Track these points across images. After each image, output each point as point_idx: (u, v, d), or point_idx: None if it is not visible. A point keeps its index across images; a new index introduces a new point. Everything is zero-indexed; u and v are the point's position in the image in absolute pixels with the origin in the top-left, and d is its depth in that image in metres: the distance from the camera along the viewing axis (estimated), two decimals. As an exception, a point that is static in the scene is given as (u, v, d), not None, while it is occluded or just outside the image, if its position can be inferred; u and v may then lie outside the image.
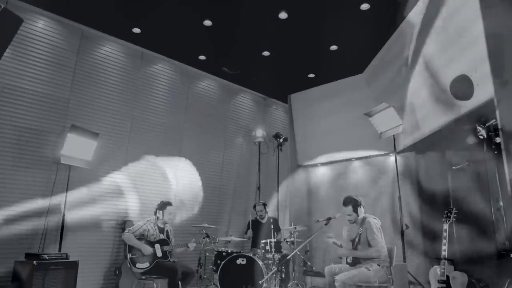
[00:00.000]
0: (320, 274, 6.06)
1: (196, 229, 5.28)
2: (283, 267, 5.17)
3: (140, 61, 5.92)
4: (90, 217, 5.02)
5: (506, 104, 3.39)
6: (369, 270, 4.00)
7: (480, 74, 3.67)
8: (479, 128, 3.92)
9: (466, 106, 4.00)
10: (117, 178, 5.39)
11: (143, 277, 4.60)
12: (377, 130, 5.63)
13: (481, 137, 3.91)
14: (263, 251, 5.19)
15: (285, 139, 7.06)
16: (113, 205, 5.28)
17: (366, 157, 6.60)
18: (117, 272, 4.98)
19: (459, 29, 4.00)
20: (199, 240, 4.97)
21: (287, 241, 5.37)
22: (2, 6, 3.18)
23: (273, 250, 5.06)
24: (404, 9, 4.83)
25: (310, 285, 6.43)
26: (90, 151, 4.82)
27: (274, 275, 4.89)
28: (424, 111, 4.95)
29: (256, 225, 5.99)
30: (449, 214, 3.76)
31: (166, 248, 4.71)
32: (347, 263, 4.33)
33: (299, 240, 5.29)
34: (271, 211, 6.54)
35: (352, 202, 4.34)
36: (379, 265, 4.04)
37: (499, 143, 3.63)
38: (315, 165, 7.37)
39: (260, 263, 4.95)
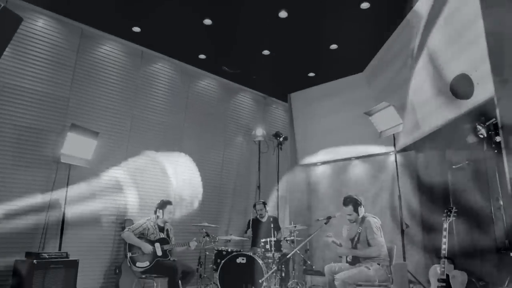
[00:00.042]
0: (320, 273, 6.07)
1: (196, 228, 5.28)
2: (283, 266, 5.17)
3: (140, 60, 5.92)
4: (90, 213, 5.01)
5: (506, 102, 3.38)
6: (369, 269, 4.00)
7: (480, 73, 3.67)
8: (479, 127, 3.92)
9: (467, 105, 4.00)
10: (117, 173, 5.38)
11: (143, 276, 4.60)
12: (377, 129, 5.63)
13: (481, 136, 3.91)
14: (263, 250, 5.20)
15: (285, 138, 7.06)
16: (112, 200, 5.28)
17: (366, 156, 6.60)
18: (117, 271, 4.98)
19: (459, 28, 3.99)
20: (199, 239, 4.98)
21: (287, 240, 5.37)
22: (2, 5, 3.17)
23: (273, 249, 5.06)
24: (404, 6, 4.82)
25: (310, 284, 6.44)
26: (90, 150, 4.82)
27: (274, 274, 4.90)
28: (424, 110, 4.95)
29: (256, 224, 5.99)
30: (449, 213, 3.76)
31: (166, 247, 4.71)
32: (347, 262, 4.33)
33: (299, 239, 5.30)
34: (271, 210, 6.54)
35: (352, 202, 4.34)
36: (379, 264, 4.04)
37: (499, 142, 3.63)
38: (315, 164, 7.37)
39: (260, 262, 4.96)
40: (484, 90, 3.62)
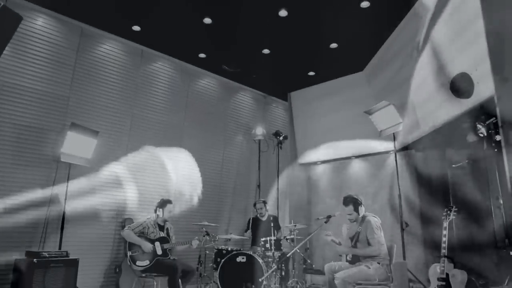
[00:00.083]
0: (320, 272, 6.08)
1: (196, 227, 5.28)
2: (283, 265, 5.18)
3: (140, 59, 5.92)
4: (90, 210, 5.00)
5: (507, 101, 3.38)
6: (369, 268, 4.00)
7: (480, 72, 3.67)
8: (479, 126, 3.92)
9: (467, 104, 3.99)
10: (116, 169, 5.37)
11: (143, 275, 4.61)
12: (377, 128, 5.63)
13: (481, 135, 3.91)
14: (263, 249, 5.20)
15: (285, 137, 7.06)
16: (112, 196, 5.27)
17: (366, 155, 6.60)
18: (117, 270, 4.99)
19: (460, 27, 3.99)
20: (200, 238, 4.98)
21: (287, 239, 5.38)
22: (2, 4, 3.17)
23: (273, 248, 5.06)
24: (404, 5, 4.81)
25: (310, 283, 6.45)
26: (90, 149, 4.82)
27: (274, 273, 4.90)
28: (425, 108, 4.94)
29: (256, 223, 6.00)
30: (449, 212, 3.77)
31: (166, 246, 4.72)
32: (347, 260, 4.33)
33: (299, 238, 5.30)
34: (270, 209, 6.54)
35: (352, 202, 4.34)
36: (379, 263, 4.04)
37: (499, 141, 3.63)
38: (315, 163, 7.37)
39: (260, 261, 4.96)
40: (484, 89, 3.61)
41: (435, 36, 4.42)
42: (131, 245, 4.61)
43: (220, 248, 5.36)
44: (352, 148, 6.62)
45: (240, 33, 5.50)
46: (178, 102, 6.32)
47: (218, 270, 5.04)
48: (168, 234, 4.90)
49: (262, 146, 7.21)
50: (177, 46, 5.96)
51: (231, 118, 7.08)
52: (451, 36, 4.13)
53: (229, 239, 5.51)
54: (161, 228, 4.88)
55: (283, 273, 5.17)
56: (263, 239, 5.25)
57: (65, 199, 4.71)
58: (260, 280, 4.70)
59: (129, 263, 4.54)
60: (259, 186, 7.01)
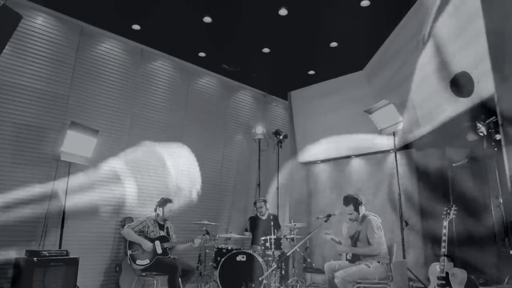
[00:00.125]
0: (320, 271, 6.08)
1: (196, 226, 5.28)
2: (283, 264, 5.18)
3: (139, 58, 5.91)
4: (89, 205, 5.00)
5: (507, 100, 3.38)
6: (369, 267, 4.00)
7: (480, 70, 3.67)
8: (479, 125, 3.92)
9: (467, 103, 3.99)
10: (116, 164, 5.37)
11: (143, 273, 4.61)
12: (377, 127, 5.63)
13: (481, 134, 3.91)
14: (263, 248, 5.20)
15: (285, 136, 7.06)
16: (111, 191, 5.26)
17: (366, 154, 6.60)
18: (117, 269, 4.99)
19: (459, 27, 3.98)
20: (200, 237, 4.97)
21: (287, 238, 5.38)
22: (1, 3, 3.17)
23: (273, 247, 5.06)
24: (404, 4, 4.80)
25: (310, 282, 6.45)
26: (90, 148, 4.82)
27: (274, 271, 4.90)
28: (425, 107, 4.94)
29: (256, 222, 6.00)
30: (449, 211, 3.77)
31: (166, 245, 4.72)
32: (346, 259, 4.33)
33: (299, 237, 5.30)
34: (270, 208, 6.54)
35: (353, 201, 4.34)
36: (378, 262, 4.05)
37: (499, 140, 3.63)
38: (315, 162, 7.38)
39: (260, 260, 4.96)
40: (484, 88, 3.61)
41: (437, 34, 4.42)
42: (131, 244, 4.61)
43: (220, 247, 5.36)
44: (352, 147, 6.62)
45: (240, 32, 5.49)
46: (178, 101, 6.31)
47: (218, 269, 5.04)
48: (168, 233, 4.90)
49: (262, 145, 7.20)
50: (177, 45, 5.96)
51: (231, 117, 7.07)
52: (452, 35, 4.13)
53: (229, 238, 5.51)
54: (161, 227, 4.88)
55: (283, 272, 5.17)
56: (263, 238, 5.25)
57: (65, 198, 4.71)
58: (260, 279, 4.70)
59: (129, 262, 4.55)
60: (259, 185, 7.01)
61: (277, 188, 6.87)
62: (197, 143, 6.38)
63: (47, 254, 4.12)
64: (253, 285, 4.85)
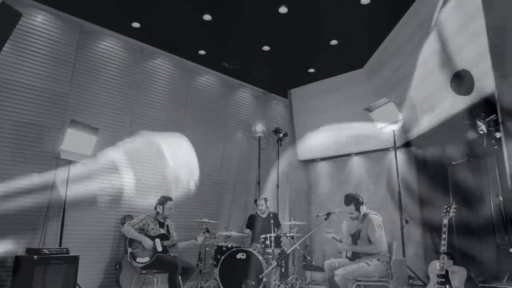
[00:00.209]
0: (319, 269, 6.10)
1: (196, 224, 5.29)
2: (283, 262, 5.19)
3: (139, 56, 5.90)
4: (88, 194, 5.02)
5: (507, 98, 3.38)
6: (369, 265, 4.01)
7: (480, 68, 3.66)
8: (479, 123, 3.92)
9: (467, 100, 3.99)
10: (115, 155, 5.38)
11: (144, 271, 4.61)
12: (377, 125, 5.63)
13: (481, 132, 3.91)
14: (263, 246, 5.21)
15: (285, 134, 7.05)
16: (108, 181, 5.27)
17: (365, 152, 6.60)
18: (118, 267, 5.00)
19: (460, 24, 3.98)
20: (202, 234, 4.97)
21: (287, 236, 5.39)
22: (1, 1, 3.17)
23: (273, 245, 5.07)
24: (404, 2, 4.80)
25: (310, 280, 6.46)
26: (90, 146, 4.82)
27: (274, 269, 4.91)
28: (425, 105, 4.94)
29: (256, 220, 6.00)
30: (448, 209, 3.77)
31: (166, 242, 4.72)
32: (346, 257, 4.34)
33: (298, 235, 5.31)
34: (270, 206, 6.54)
35: (354, 201, 4.33)
36: (378, 260, 4.05)
37: (499, 138, 3.63)
38: (315, 160, 7.38)
39: (260, 257, 4.97)
40: (484, 85, 3.61)
41: (440, 28, 4.40)
42: (132, 242, 4.61)
43: (220, 245, 5.37)
44: (352, 145, 6.62)
45: (240, 30, 5.49)
46: (178, 99, 6.31)
47: (218, 267, 5.05)
48: (168, 231, 4.90)
49: (262, 143, 7.20)
50: (177, 43, 5.95)
51: (231, 115, 7.07)
52: (453, 31, 4.12)
53: (229, 236, 5.52)
54: (161, 225, 4.88)
55: (283, 270, 5.19)
56: (263, 236, 5.26)
57: (65, 197, 4.72)
58: (260, 276, 4.72)
59: (129, 260, 4.55)
60: (259, 183, 7.01)
61: (277, 186, 6.87)
62: (197, 141, 6.38)
63: (48, 252, 4.13)
64: (253, 283, 4.86)
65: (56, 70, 5.01)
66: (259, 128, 7.04)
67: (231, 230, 5.62)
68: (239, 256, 5.05)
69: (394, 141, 5.56)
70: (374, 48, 5.89)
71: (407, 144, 5.88)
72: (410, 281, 4.88)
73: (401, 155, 5.92)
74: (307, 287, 5.93)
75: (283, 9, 4.92)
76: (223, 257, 5.09)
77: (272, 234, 5.13)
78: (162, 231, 4.82)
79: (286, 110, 7.86)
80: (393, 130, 5.51)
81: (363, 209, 4.35)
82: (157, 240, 4.69)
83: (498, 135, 3.65)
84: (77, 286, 4.35)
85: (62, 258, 4.22)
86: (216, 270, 5.07)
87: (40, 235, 4.58)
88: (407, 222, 5.27)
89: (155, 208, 4.91)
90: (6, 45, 3.90)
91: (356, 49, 5.93)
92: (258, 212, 6.08)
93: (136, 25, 5.41)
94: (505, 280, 3.82)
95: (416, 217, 5.67)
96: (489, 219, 4.51)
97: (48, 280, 4.04)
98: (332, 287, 4.14)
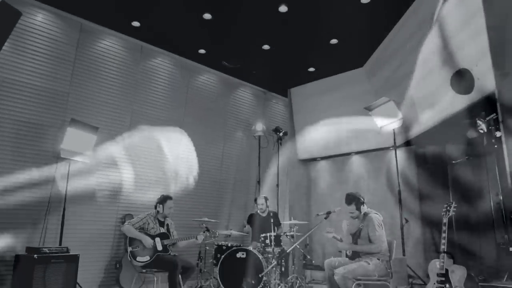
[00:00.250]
0: (319, 268, 6.10)
1: (196, 223, 5.29)
2: (283, 261, 5.19)
3: (139, 55, 5.90)
4: (88, 189, 5.04)
5: (507, 96, 3.38)
6: (369, 264, 4.01)
7: (480, 67, 3.66)
8: (479, 122, 3.92)
9: (467, 99, 3.99)
10: (114, 150, 5.38)
11: (144, 270, 4.62)
12: (377, 124, 5.63)
13: (481, 131, 3.91)
14: (263, 244, 5.21)
15: (285, 133, 7.06)
16: (106, 175, 5.28)
17: (366, 151, 6.60)
18: (118, 266, 5.00)
19: (460, 23, 3.97)
20: (203, 233, 4.98)
21: (287, 235, 5.39)
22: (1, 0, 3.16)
23: (273, 244, 5.08)
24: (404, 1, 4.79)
25: (310, 279, 6.46)
26: (90, 145, 4.81)
27: (274, 268, 4.91)
28: (425, 104, 4.94)
29: (256, 219, 6.00)
30: (448, 208, 3.77)
31: (166, 241, 4.73)
32: (346, 256, 4.34)
33: (299, 234, 5.31)
34: (270, 205, 6.55)
35: (355, 200, 4.33)
36: (378, 259, 4.05)
37: (499, 137, 3.63)
38: (315, 159, 7.37)
39: (260, 256, 4.97)
40: (485, 84, 3.61)
41: (439, 29, 4.40)
42: (132, 241, 4.61)
43: (220, 244, 5.37)
44: (352, 144, 6.62)
45: (240, 28, 5.48)
46: (178, 98, 6.31)
47: (218, 266, 5.05)
48: (168, 230, 4.90)
49: (262, 142, 7.20)
50: (177, 42, 5.95)
51: (231, 114, 7.07)
52: (454, 30, 4.12)
53: (229, 235, 5.53)
54: (161, 224, 4.88)
55: (283, 269, 5.19)
56: (263, 235, 5.27)
57: (65, 196, 4.72)
58: (260, 275, 4.72)
59: (129, 259, 4.55)
60: (259, 182, 7.01)
61: (277, 185, 6.88)
62: (197, 140, 6.38)
63: (48, 251, 4.13)
64: (253, 282, 4.86)
65: (56, 69, 5.00)
66: (259, 127, 7.03)
67: (231, 229, 5.62)
68: (239, 255, 5.06)
69: (394, 140, 5.56)
70: (374, 47, 5.88)
71: (407, 143, 5.88)
72: (410, 280, 4.89)
73: (401, 154, 5.92)
74: (307, 286, 5.94)
75: (283, 8, 4.92)
76: (223, 256, 5.10)
77: (272, 233, 5.14)
78: (162, 230, 4.82)
79: (286, 109, 7.86)
80: (393, 129, 5.50)
81: (364, 208, 4.35)
82: (157, 239, 4.69)
83: (498, 134, 3.65)
84: (77, 285, 4.35)
85: (62, 257, 4.22)
86: (216, 269, 5.08)
87: (40, 233, 4.58)
88: (407, 221, 5.27)
89: (155, 207, 4.91)
90: (6, 44, 3.89)
91: (356, 48, 5.93)
92: (258, 211, 6.08)
93: (136, 24, 5.41)
94: (505, 279, 3.83)
95: (416, 216, 5.67)
96: (489, 218, 4.51)
97: (48, 279, 4.04)
98: (332, 286, 4.14)
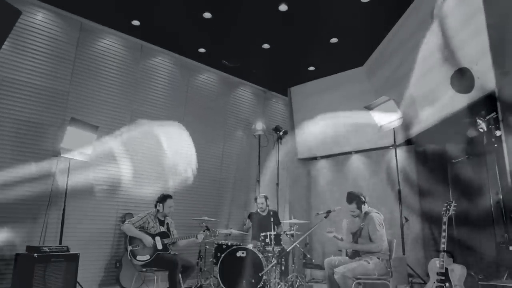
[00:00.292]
0: (319, 267, 6.10)
1: (196, 222, 5.29)
2: (283, 260, 5.19)
3: (139, 54, 5.90)
4: (87, 184, 5.05)
5: (507, 95, 3.38)
6: (369, 263, 4.01)
7: (481, 66, 3.66)
8: (479, 121, 3.92)
9: (467, 98, 3.98)
10: (113, 145, 5.39)
11: (144, 269, 4.62)
12: (377, 123, 5.63)
13: (481, 130, 3.91)
14: (263, 243, 5.22)
15: (285, 132, 7.05)
16: (105, 170, 5.28)
17: (366, 150, 6.60)
18: (118, 265, 5.00)
19: (460, 22, 3.97)
20: (203, 232, 4.98)
21: (287, 234, 5.39)
22: (0, -2, 3.16)
23: (273, 243, 5.08)
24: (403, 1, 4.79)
25: (310, 278, 6.47)
26: (90, 144, 4.81)
27: (274, 267, 4.91)
28: (425, 103, 4.94)
29: (256, 218, 6.01)
30: (448, 207, 3.77)
31: (166, 240, 4.73)
32: (346, 255, 4.34)
33: (299, 233, 5.31)
34: (270, 204, 6.55)
35: (356, 199, 4.33)
36: (378, 258, 4.05)
37: (499, 136, 3.63)
38: (315, 158, 7.37)
39: (260, 255, 4.97)
40: (485, 83, 3.61)
41: (440, 28, 4.40)
42: (132, 240, 4.61)
43: (220, 243, 5.37)
44: (352, 143, 6.62)
45: (240, 27, 5.48)
46: (178, 97, 6.31)
47: (218, 264, 5.06)
48: (168, 229, 4.90)
49: (262, 141, 7.20)
50: (177, 41, 5.94)
51: (231, 113, 7.07)
52: (454, 29, 4.11)
53: (229, 234, 5.53)
54: (162, 223, 4.88)
55: (283, 268, 5.19)
56: (263, 234, 5.27)
57: (65, 195, 4.72)
58: (260, 274, 4.72)
59: (129, 258, 4.55)
60: (258, 181, 7.01)
61: (277, 184, 6.88)
62: (196, 139, 6.37)
63: (48, 250, 4.13)
64: (253, 281, 4.87)
65: (56, 68, 5.00)
66: (259, 126, 7.03)
67: (231, 228, 5.62)
68: (239, 254, 5.06)
69: (394, 139, 5.56)
70: (374, 46, 5.88)
71: (407, 142, 5.88)
72: (410, 279, 4.89)
73: (401, 153, 5.92)
74: (307, 285, 5.95)
75: (283, 7, 4.91)
76: (223, 255, 5.10)
77: (272, 232, 5.14)
78: (162, 229, 4.82)
79: (286, 108, 7.86)
80: (393, 128, 5.50)
81: (365, 207, 4.34)
82: (158, 238, 4.69)
83: (498, 133, 3.65)
84: (77, 284, 4.35)
85: (62, 256, 4.22)
86: (216, 268, 5.08)
87: (40, 230, 4.58)
88: (407, 220, 5.27)
89: (155, 206, 4.91)
90: (5, 43, 3.89)
91: (356, 47, 5.93)
92: (258, 210, 6.08)
93: (136, 23, 5.41)
94: (504, 277, 3.83)
95: (416, 214, 5.67)
96: (489, 217, 4.51)
97: (48, 278, 4.04)
98: (332, 285, 4.14)
